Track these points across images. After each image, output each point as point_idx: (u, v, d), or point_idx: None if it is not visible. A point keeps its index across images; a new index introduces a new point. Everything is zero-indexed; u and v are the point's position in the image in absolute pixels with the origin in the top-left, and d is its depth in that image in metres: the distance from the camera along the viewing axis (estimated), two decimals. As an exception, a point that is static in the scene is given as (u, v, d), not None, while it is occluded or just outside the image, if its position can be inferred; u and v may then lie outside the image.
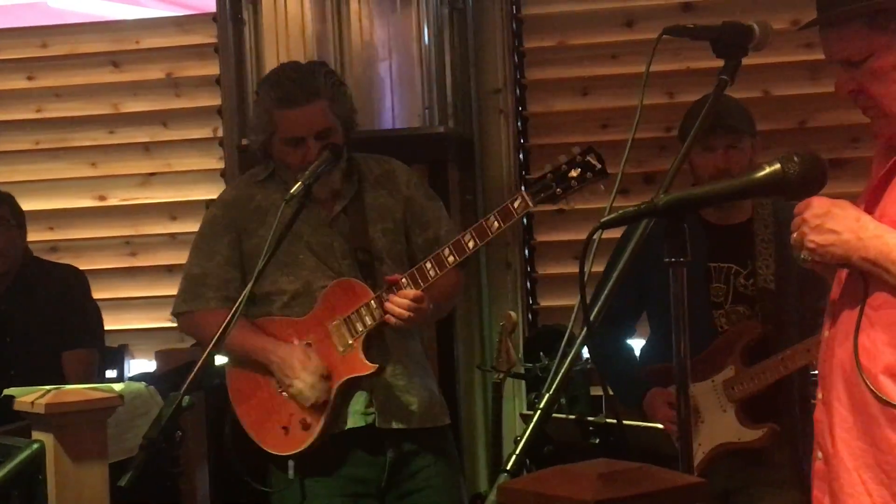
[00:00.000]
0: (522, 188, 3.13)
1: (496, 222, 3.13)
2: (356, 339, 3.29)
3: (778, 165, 2.05)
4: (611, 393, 3.55)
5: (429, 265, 3.21)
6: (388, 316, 3.23)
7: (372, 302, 3.27)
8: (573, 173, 3.05)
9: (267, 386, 3.36)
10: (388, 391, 3.37)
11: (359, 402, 3.35)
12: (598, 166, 3.06)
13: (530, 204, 3.09)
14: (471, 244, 3.16)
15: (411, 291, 3.20)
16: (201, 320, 3.40)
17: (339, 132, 3.37)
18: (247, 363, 3.38)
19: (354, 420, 3.35)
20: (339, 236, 3.40)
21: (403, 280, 3.23)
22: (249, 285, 2.97)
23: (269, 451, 3.35)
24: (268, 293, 3.39)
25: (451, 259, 3.17)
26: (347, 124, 3.41)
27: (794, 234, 2.27)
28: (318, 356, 3.31)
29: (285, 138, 3.34)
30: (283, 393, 3.34)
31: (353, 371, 3.30)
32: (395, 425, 3.36)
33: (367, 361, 3.30)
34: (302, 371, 3.28)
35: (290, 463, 3.32)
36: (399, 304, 3.21)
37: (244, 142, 5.08)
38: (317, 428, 3.30)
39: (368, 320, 3.28)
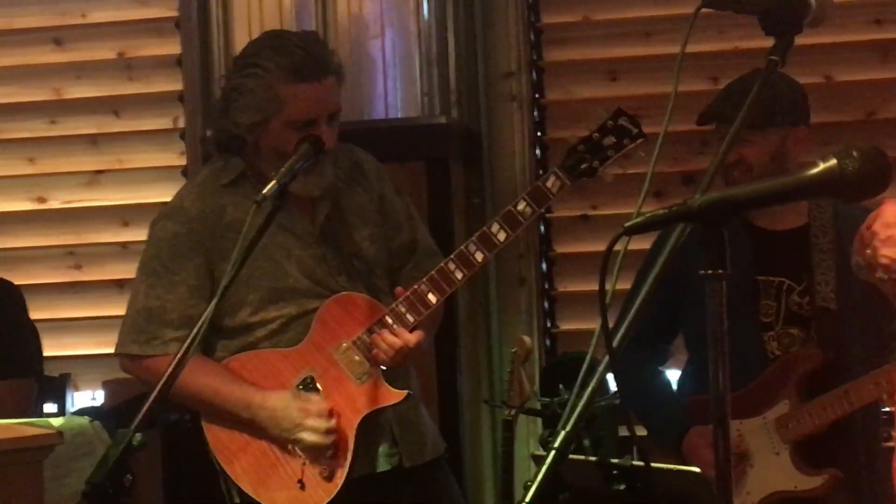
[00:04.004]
0: (555, 167, 3.14)
1: (528, 207, 3.13)
2: (375, 363, 3.24)
3: (834, 161, 2.05)
4: (638, 433, 3.55)
5: (452, 266, 3.18)
6: (375, 352, 3.21)
7: (387, 318, 3.21)
8: (607, 141, 3.08)
9: (256, 440, 3.26)
10: (408, 424, 3.36)
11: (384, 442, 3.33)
12: (635, 130, 3.10)
13: (567, 182, 3.11)
14: (501, 235, 3.16)
15: (414, 335, 3.18)
16: (158, 368, 3.13)
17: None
18: (225, 416, 3.27)
19: (380, 462, 3.32)
20: (331, 248, 3.32)
21: (424, 287, 3.19)
22: (199, 325, 2.73)
23: None
24: (247, 324, 3.28)
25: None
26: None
27: (867, 251, 2.27)
28: (326, 390, 3.24)
29: (294, 120, 3.20)
30: (287, 446, 3.24)
31: (379, 402, 3.25)
32: (417, 461, 3.36)
33: (393, 389, 3.24)
34: (306, 419, 3.20)
35: None
36: (390, 342, 3.18)
37: (209, 133, 5.12)
38: (342, 475, 3.21)
39: None
